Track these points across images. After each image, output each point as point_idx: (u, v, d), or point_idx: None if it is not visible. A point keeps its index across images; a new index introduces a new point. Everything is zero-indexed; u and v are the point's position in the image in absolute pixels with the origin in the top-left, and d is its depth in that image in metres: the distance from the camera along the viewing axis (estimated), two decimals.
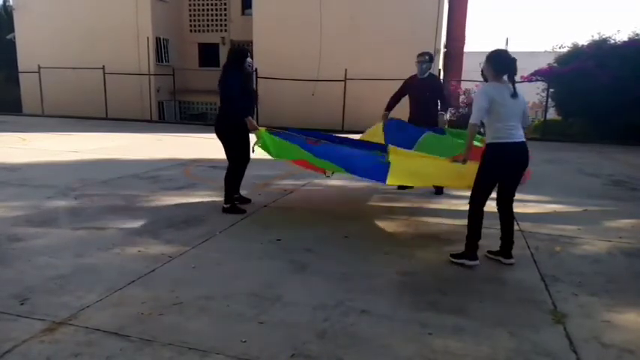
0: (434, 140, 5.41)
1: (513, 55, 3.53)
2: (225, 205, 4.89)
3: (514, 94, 3.46)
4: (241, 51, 4.89)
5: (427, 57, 5.89)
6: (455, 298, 3.07)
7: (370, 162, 4.36)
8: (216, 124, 4.89)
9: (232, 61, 4.77)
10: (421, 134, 5.51)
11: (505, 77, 3.51)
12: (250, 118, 4.73)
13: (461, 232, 4.40)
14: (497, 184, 3.65)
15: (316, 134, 5.33)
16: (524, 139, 3.53)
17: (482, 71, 3.63)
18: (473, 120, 3.50)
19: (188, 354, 2.35)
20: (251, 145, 4.90)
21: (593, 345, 2.54)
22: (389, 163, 4.19)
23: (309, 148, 4.61)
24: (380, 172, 4.25)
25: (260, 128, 4.74)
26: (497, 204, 3.74)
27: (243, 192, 5.29)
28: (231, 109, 4.73)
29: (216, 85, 4.80)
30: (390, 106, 5.99)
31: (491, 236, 4.19)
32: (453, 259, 3.69)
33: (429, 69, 5.96)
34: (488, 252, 3.86)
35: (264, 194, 5.71)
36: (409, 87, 6.05)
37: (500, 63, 3.50)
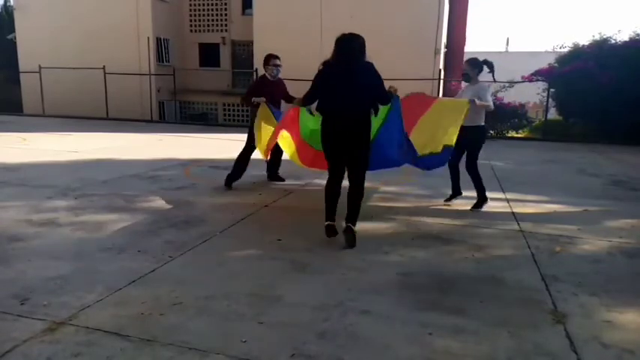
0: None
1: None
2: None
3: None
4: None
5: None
6: (455, 298, 3.07)
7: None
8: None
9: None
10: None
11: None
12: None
13: (461, 232, 4.43)
14: (464, 152, 5.12)
15: None
16: None
17: (466, 73, 5.08)
18: (492, 106, 4.99)
19: (188, 354, 2.35)
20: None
21: (593, 345, 2.54)
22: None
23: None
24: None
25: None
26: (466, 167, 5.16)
27: (242, 189, 5.31)
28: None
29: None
30: None
31: (489, 235, 4.20)
32: (475, 209, 5.16)
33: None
34: (445, 200, 5.46)
35: (265, 194, 5.71)
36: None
37: (479, 65, 5.01)
